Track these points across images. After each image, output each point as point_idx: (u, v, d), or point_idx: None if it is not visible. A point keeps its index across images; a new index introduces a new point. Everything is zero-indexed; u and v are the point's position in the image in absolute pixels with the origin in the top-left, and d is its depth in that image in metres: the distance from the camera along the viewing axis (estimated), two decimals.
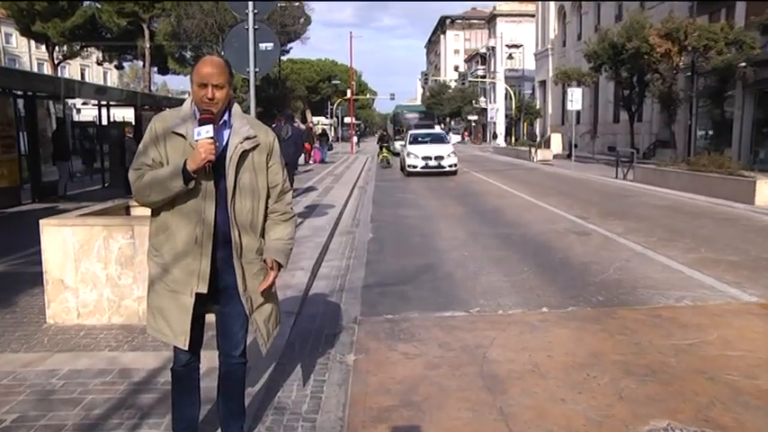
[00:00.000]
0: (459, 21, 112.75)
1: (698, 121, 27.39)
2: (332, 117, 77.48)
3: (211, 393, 3.67)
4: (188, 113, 3.15)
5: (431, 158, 24.84)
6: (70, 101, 25.61)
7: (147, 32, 42.98)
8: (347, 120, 70.06)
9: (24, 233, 10.48)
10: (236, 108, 3.27)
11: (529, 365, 5.01)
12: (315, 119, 67.79)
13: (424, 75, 59.24)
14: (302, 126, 31.75)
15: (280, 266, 3.31)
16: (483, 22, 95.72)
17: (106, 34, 46.40)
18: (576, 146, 31.85)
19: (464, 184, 20.52)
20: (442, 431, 3.96)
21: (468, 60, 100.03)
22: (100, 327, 5.68)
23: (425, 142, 27.06)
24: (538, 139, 45.24)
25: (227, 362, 3.37)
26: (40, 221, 5.78)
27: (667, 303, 6.76)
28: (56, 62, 48.14)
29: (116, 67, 56.11)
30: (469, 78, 79.86)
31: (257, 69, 8.69)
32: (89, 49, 51.08)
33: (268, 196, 3.31)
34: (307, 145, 30.93)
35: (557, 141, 42.91)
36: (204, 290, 3.12)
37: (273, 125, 23.01)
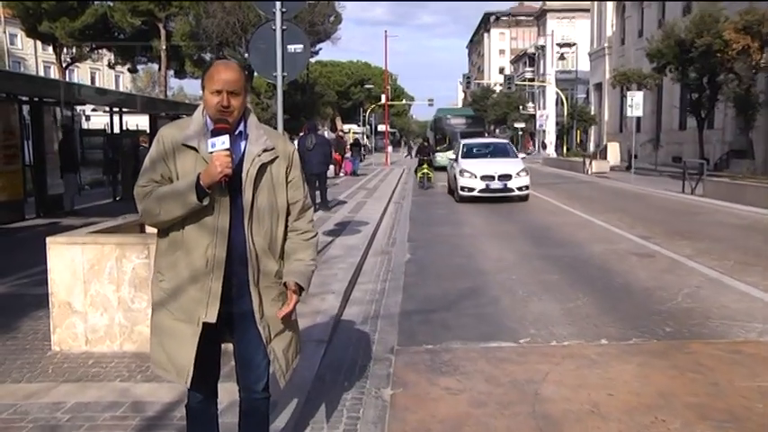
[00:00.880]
0: (505, 18, 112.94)
1: None
2: (364, 125, 77.81)
3: (232, 431, 3.66)
4: (200, 124, 3.14)
5: (493, 178, 20.32)
6: (79, 107, 26.08)
7: (162, 33, 43.63)
8: (381, 128, 70.36)
9: (28, 251, 10.67)
10: (252, 116, 3.27)
11: (587, 405, 4.91)
12: (345, 126, 68.27)
13: (465, 78, 58.82)
14: (331, 135, 31.98)
15: (301, 290, 3.29)
16: (531, 18, 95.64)
17: (119, 35, 47.20)
18: (635, 156, 31.50)
19: (511, 199, 20.39)
20: None
21: (514, 61, 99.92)
22: (110, 355, 5.72)
23: (484, 156, 22.51)
24: (593, 149, 44.85)
25: (249, 397, 3.35)
26: (47, 239, 5.86)
27: (748, 337, 6.58)
28: (64, 65, 49.08)
29: (129, 70, 57.06)
30: (516, 81, 79.68)
31: (285, 74, 8.75)
32: (100, 50, 52.10)
33: (288, 213, 3.30)
34: (337, 155, 31.13)
35: (614, 151, 42.50)
36: (213, 318, 3.10)
37: (300, 134, 23.24)
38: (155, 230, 3.34)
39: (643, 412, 4.78)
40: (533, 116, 77.61)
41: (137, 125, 26.95)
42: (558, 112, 66.65)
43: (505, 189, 20.29)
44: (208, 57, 46.48)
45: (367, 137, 76.08)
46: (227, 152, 3.01)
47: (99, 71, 77.47)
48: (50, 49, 51.58)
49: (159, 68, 47.59)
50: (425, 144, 29.68)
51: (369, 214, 16.24)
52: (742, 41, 24.88)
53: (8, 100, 14.99)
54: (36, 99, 16.07)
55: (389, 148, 55.06)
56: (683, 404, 4.94)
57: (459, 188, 20.59)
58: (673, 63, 30.29)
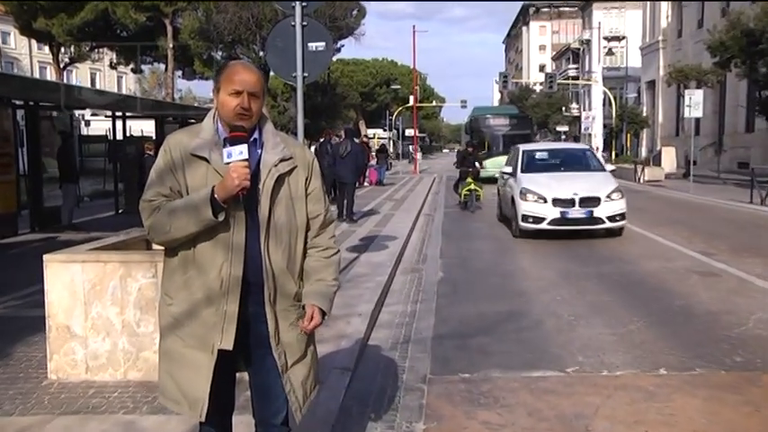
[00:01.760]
0: (546, 9, 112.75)
1: None
2: (391, 129, 77.98)
3: None
4: (210, 131, 3.16)
5: (572, 203, 14.92)
6: (77, 112, 26.41)
7: (169, 30, 43.92)
8: (409, 132, 70.45)
9: (22, 269, 10.75)
10: (268, 123, 3.28)
11: None
12: (370, 131, 68.48)
13: (502, 76, 58.45)
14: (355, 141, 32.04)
15: (323, 314, 3.29)
16: (575, 9, 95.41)
17: (121, 32, 47.55)
18: (694, 163, 31.18)
19: None
20: None
21: (556, 58, 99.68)
22: (113, 384, 5.74)
23: (555, 168, 17.32)
24: (645, 155, 44.54)
25: (267, 431, 3.35)
26: (44, 256, 5.90)
27: None
28: (61, 65, 49.63)
29: (133, 71, 57.55)
30: (558, 80, 79.38)
31: (306, 74, 8.79)
32: (101, 50, 52.60)
33: (308, 229, 3.30)
34: None
35: (669, 157, 42.15)
36: (229, 346, 3.09)
37: (321, 139, 23.26)
38: (162, 247, 3.34)
39: None
40: (578, 118, 77.15)
41: (141, 131, 27.26)
42: (605, 114, 66.12)
43: (591, 219, 14.84)
44: (219, 56, 46.74)
45: (394, 142, 76.32)
46: (245, 163, 3.01)
47: (100, 72, 78.33)
48: (46, 48, 52.26)
49: (166, 69, 47.89)
50: (469, 151, 24.18)
51: (397, 228, 16.24)
52: None
53: (1, 104, 15.05)
54: (32, 103, 16.24)
55: (419, 155, 55.07)
56: None
57: (519, 217, 15.28)
58: (738, 57, 29.89)
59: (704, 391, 5.85)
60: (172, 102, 39.63)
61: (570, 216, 14.92)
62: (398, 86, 77.19)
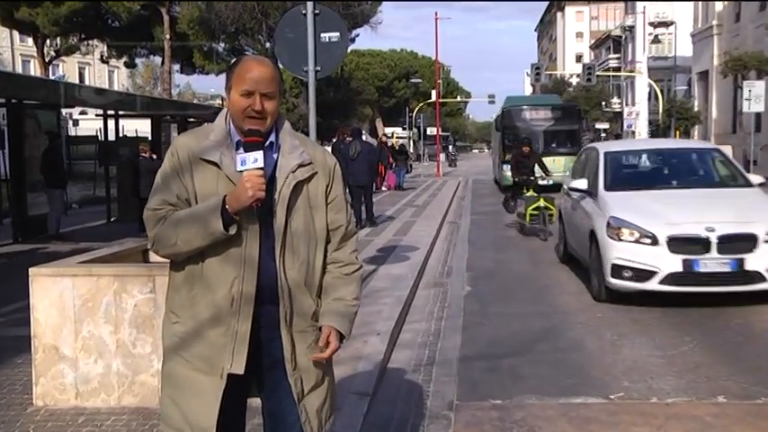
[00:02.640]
0: None
1: None
2: (411, 128, 78.02)
3: None
4: (222, 133, 3.16)
5: (706, 244, 9.56)
6: (65, 110, 26.53)
7: (166, 19, 44.10)
8: (430, 131, 70.48)
9: (4, 284, 10.77)
10: (285, 124, 3.28)
11: None
12: (388, 130, 68.48)
13: (534, 68, 58.25)
14: (371, 140, 32.09)
15: (341, 336, 3.28)
16: None
17: (113, 22, 47.77)
18: (755, 163, 31.01)
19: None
20: None
21: (595, 47, 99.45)
22: (106, 411, 5.76)
23: (661, 182, 12.06)
24: None
25: None
26: (30, 270, 5.92)
27: None
28: (46, 59, 49.80)
29: (126, 64, 57.99)
30: (597, 71, 79.15)
31: (318, 68, 8.81)
32: (90, 41, 52.78)
33: (327, 241, 3.30)
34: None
35: None
36: (240, 369, 3.10)
37: (334, 140, 23.32)
38: (161, 259, 3.36)
39: None
40: (619, 114, 76.94)
41: (136, 131, 27.42)
42: (650, 109, 65.86)
43: (740, 275, 9.57)
44: (221, 47, 46.88)
45: (414, 142, 76.33)
46: (260, 172, 3.01)
47: (89, 66, 78.58)
48: (30, 40, 52.44)
49: (162, 62, 48.21)
50: (525, 152, 18.47)
51: (418, 237, 16.24)
52: None
53: None
54: (14, 101, 16.35)
55: (442, 156, 55.00)
56: None
57: (607, 268, 10.00)
58: None
59: None
60: (169, 99, 39.83)
61: (703, 269, 9.49)
62: (419, 80, 77.05)
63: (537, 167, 18.23)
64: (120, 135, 22.93)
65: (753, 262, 9.41)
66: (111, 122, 21.55)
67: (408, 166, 43.11)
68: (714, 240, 9.41)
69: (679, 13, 69.23)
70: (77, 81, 67.63)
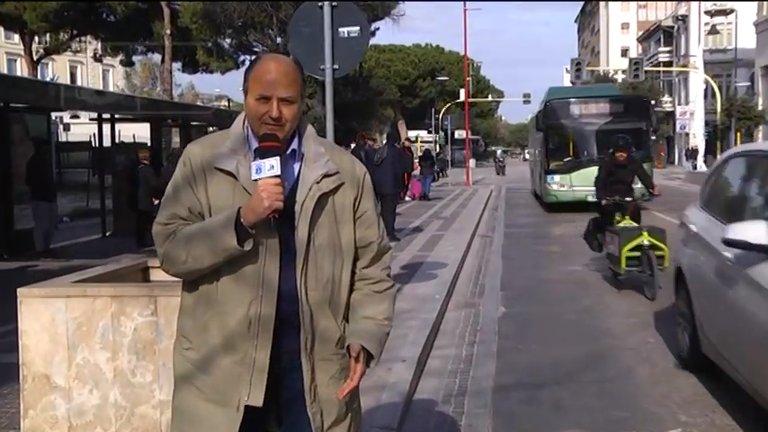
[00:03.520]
0: None
1: None
2: (437, 131, 77.97)
3: None
4: (239, 139, 3.16)
5: None
6: (55, 114, 26.65)
7: (166, 12, 44.01)
8: (458, 134, 70.39)
9: None
10: (308, 129, 3.27)
11: None
12: (411, 133, 68.54)
13: (574, 63, 57.86)
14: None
15: (370, 358, 3.27)
16: None
17: (108, 17, 47.95)
18: None
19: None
20: None
21: (643, 39, 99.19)
22: None
23: None
24: None
25: None
26: (19, 291, 5.90)
27: None
28: (35, 57, 50.10)
29: (122, 63, 58.14)
30: (646, 66, 78.92)
31: (336, 66, 8.82)
32: (83, 38, 53.01)
33: (356, 258, 3.29)
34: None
35: None
36: (258, 402, 3.09)
37: (353, 144, 23.35)
38: (163, 277, 3.36)
39: None
40: (671, 114, 76.70)
41: (133, 136, 27.55)
42: (707, 108, 65.55)
43: None
44: (227, 43, 46.97)
45: (441, 146, 76.28)
46: (277, 180, 2.99)
47: (81, 65, 79.19)
48: (16, 36, 52.80)
49: (162, 60, 48.31)
50: (619, 160, 13.44)
51: (446, 252, 16.23)
52: None
53: None
54: (1, 104, 16.41)
55: (471, 162, 54.91)
56: None
57: None
58: None
59: None
60: (170, 100, 39.98)
61: None
62: (446, 78, 77.19)
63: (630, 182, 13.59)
64: (117, 141, 23.00)
65: None
66: (106, 127, 21.60)
67: (435, 174, 42.99)
68: None
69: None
70: (68, 81, 68.17)
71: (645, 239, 12.04)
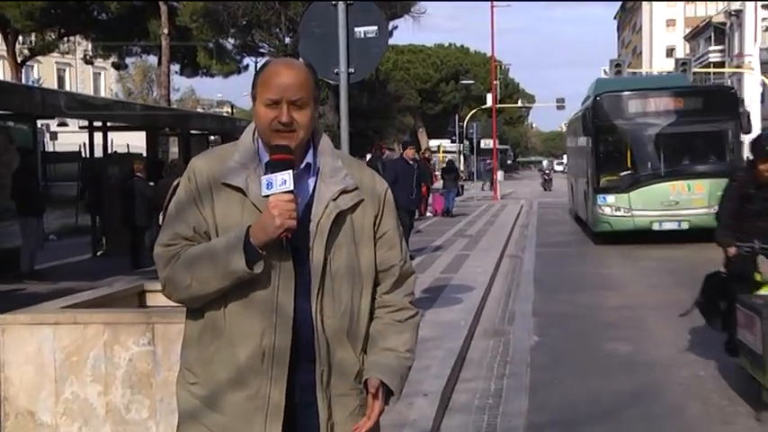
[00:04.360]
0: None
1: None
2: (461, 140, 77.95)
3: None
4: (249, 152, 3.16)
5: None
6: (41, 121, 26.70)
7: (164, 10, 44.03)
8: (485, 143, 70.36)
9: None
10: (324, 141, 3.27)
11: None
12: (433, 143, 68.54)
13: (614, 65, 57.65)
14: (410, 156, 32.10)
15: (389, 394, 3.25)
16: None
17: (99, 15, 48.02)
18: None
19: (687, 247, 19.93)
20: None
21: (691, 37, 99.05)
22: None
23: None
24: None
25: None
26: (1, 318, 5.91)
27: None
28: (19, 59, 50.30)
29: (114, 65, 58.40)
30: (695, 67, 78.76)
31: (352, 70, 8.84)
32: (71, 38, 53.24)
33: (376, 283, 3.29)
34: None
35: None
36: None
37: (369, 155, 23.35)
38: (162, 302, 3.35)
39: None
40: None
41: (127, 146, 27.63)
42: (763, 114, 65.44)
43: None
44: (230, 44, 47.11)
45: (465, 157, 76.26)
46: (290, 196, 2.98)
47: (70, 67, 79.49)
48: None
49: (159, 62, 48.46)
50: (758, 178, 8.63)
51: (472, 275, 16.22)
52: None
53: None
54: None
55: (499, 174, 54.82)
56: None
57: None
58: None
59: None
60: (168, 106, 40.09)
61: None
62: (471, 81, 77.22)
63: None
64: (109, 151, 23.07)
65: None
66: (97, 135, 21.68)
67: (459, 188, 42.94)
68: None
69: None
70: (56, 85, 68.41)
71: None
